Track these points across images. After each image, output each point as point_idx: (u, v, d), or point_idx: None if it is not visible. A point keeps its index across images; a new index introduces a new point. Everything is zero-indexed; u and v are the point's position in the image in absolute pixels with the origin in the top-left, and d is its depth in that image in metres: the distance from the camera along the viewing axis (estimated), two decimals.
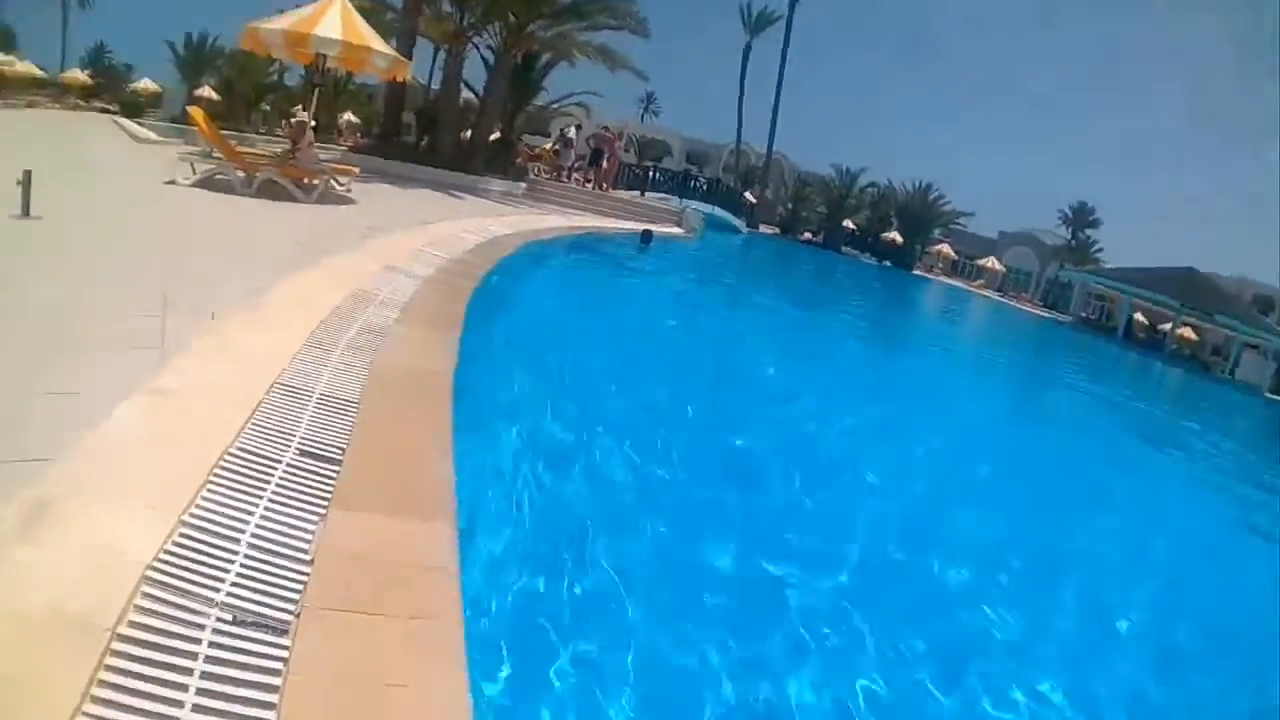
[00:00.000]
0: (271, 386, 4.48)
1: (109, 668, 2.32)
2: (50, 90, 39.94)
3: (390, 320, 6.27)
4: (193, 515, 3.16)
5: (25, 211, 7.15)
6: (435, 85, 28.49)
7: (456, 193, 19.37)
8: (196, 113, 13.62)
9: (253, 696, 2.40)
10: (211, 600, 2.75)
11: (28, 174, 7.19)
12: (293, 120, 14.18)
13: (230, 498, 3.36)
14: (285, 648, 2.62)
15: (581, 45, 26.29)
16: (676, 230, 25.78)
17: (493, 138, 26.29)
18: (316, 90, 15.56)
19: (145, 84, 44.05)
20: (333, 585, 3.00)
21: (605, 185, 28.04)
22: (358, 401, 4.64)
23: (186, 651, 2.49)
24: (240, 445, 3.77)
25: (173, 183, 11.49)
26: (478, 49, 24.97)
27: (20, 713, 2.11)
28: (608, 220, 22.43)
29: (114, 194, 10.80)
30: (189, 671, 2.42)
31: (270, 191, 11.70)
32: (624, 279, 16.13)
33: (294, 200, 11.84)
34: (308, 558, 3.15)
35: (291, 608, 2.82)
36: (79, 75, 45.62)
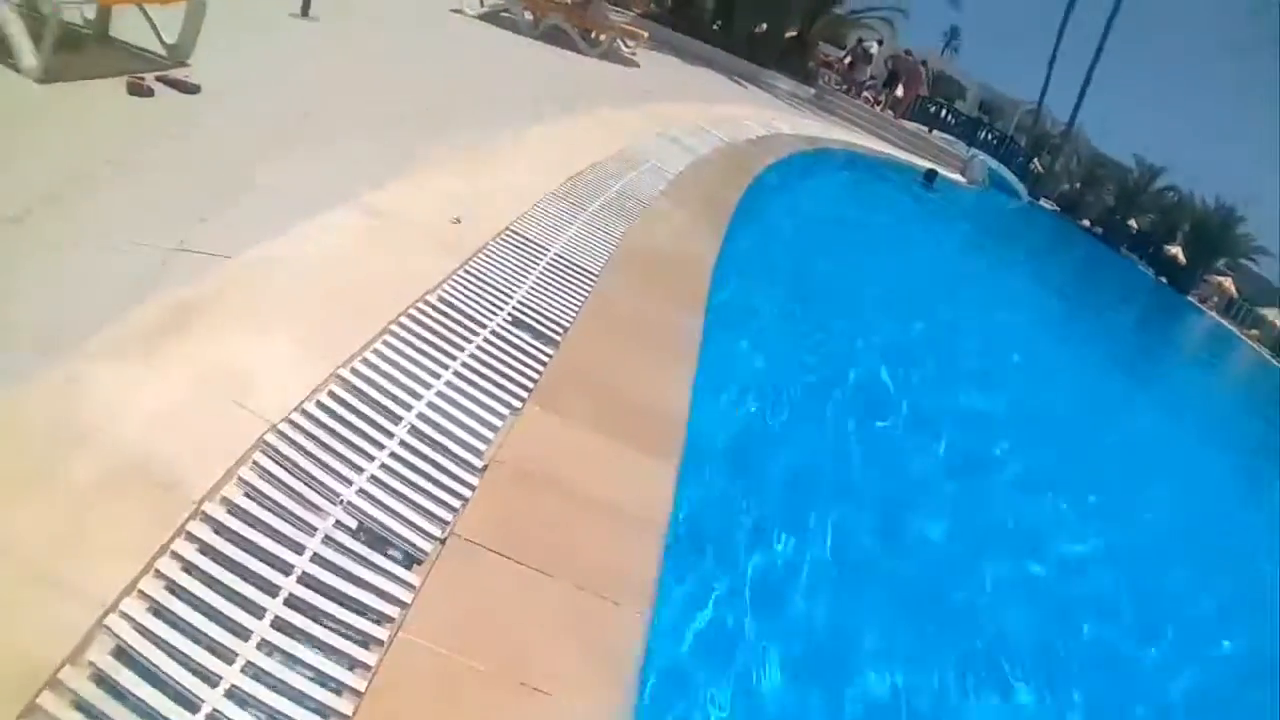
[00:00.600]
0: (501, 233, 3.59)
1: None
2: None
3: (655, 191, 5.28)
4: (354, 371, 2.30)
5: (304, 12, 6.78)
6: None
7: (742, 81, 17.98)
8: None
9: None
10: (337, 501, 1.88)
11: None
12: None
13: (406, 359, 2.47)
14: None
15: None
16: (958, 177, 23.07)
17: (789, 34, 24.38)
18: None
19: None
20: (492, 520, 2.05)
21: (897, 112, 25.42)
22: (597, 274, 3.66)
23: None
24: (442, 294, 2.88)
25: (459, 11, 11.01)
26: None
27: None
28: (890, 148, 20.22)
29: (396, 12, 10.51)
30: None
31: (554, 39, 11.00)
32: (903, 213, 14.23)
33: (577, 51, 11.07)
34: (479, 465, 2.21)
35: (428, 545, 1.90)
36: None
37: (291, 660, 1.53)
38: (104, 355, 1.98)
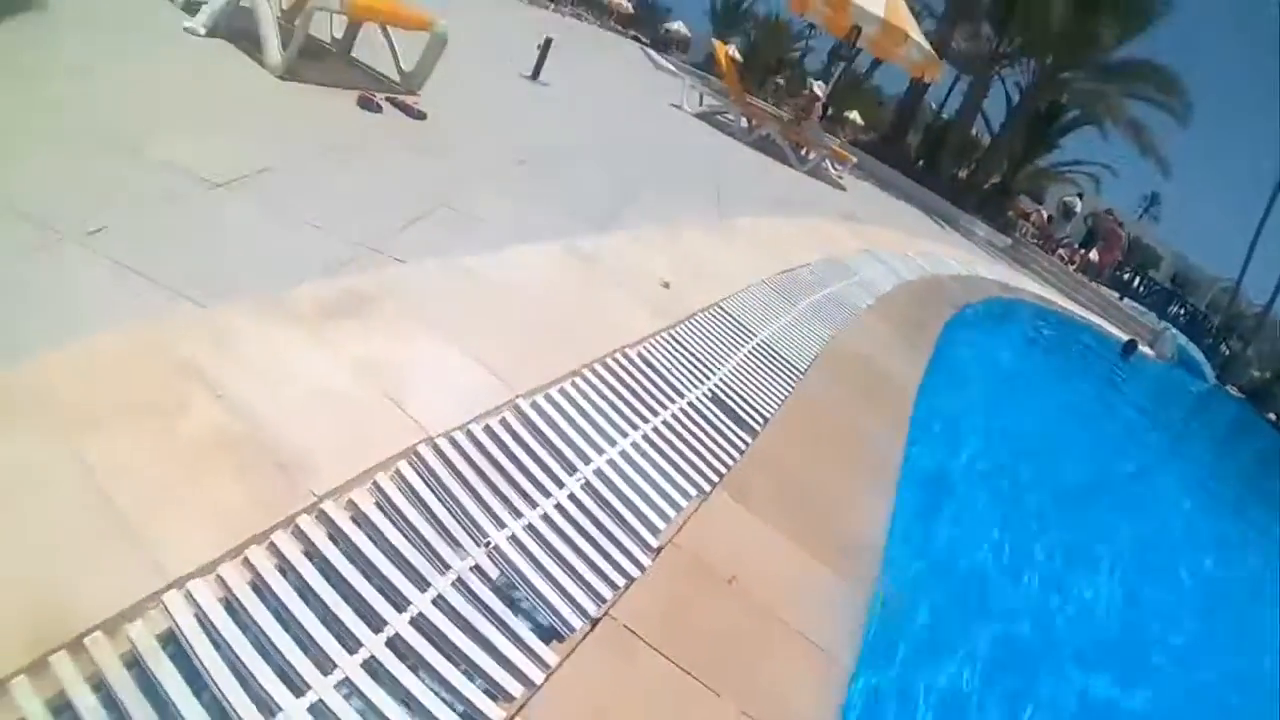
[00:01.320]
0: (709, 307, 3.39)
1: None
2: (595, 10, 45.23)
3: (863, 303, 5.02)
4: (533, 406, 2.09)
5: (535, 75, 7.19)
6: (944, 113, 26.70)
7: (940, 220, 17.66)
8: (720, 46, 13.61)
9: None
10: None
11: (548, 40, 7.25)
12: (805, 92, 13.59)
13: (593, 408, 2.25)
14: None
15: (1116, 109, 22.48)
16: (1147, 350, 21.54)
17: (991, 182, 23.91)
18: (842, 65, 14.74)
19: (678, 27, 47.47)
20: (657, 610, 1.73)
21: (1091, 274, 24.15)
22: (802, 371, 3.38)
23: None
24: (642, 352, 2.68)
25: (678, 106, 11.46)
26: (1003, 82, 22.64)
27: None
28: (1081, 309, 19.12)
29: (619, 95, 10.97)
30: None
31: (765, 148, 11.15)
32: (1095, 378, 13.22)
33: (786, 163, 11.17)
34: (653, 544, 1.92)
35: (577, 620, 1.61)
36: (624, 3, 50.04)
37: (372, 713, 1.21)
38: (268, 317, 1.81)
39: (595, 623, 1.60)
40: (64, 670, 1.02)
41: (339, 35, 4.65)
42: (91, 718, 1.01)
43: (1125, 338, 17.29)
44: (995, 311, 9.50)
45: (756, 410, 2.83)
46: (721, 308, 3.47)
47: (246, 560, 1.29)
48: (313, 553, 1.37)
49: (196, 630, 1.16)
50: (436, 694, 1.29)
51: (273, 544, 1.33)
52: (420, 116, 4.17)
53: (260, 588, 1.27)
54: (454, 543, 1.56)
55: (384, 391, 1.79)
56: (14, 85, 2.44)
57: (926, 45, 13.60)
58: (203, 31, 3.81)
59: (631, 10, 48.72)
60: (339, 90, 4.01)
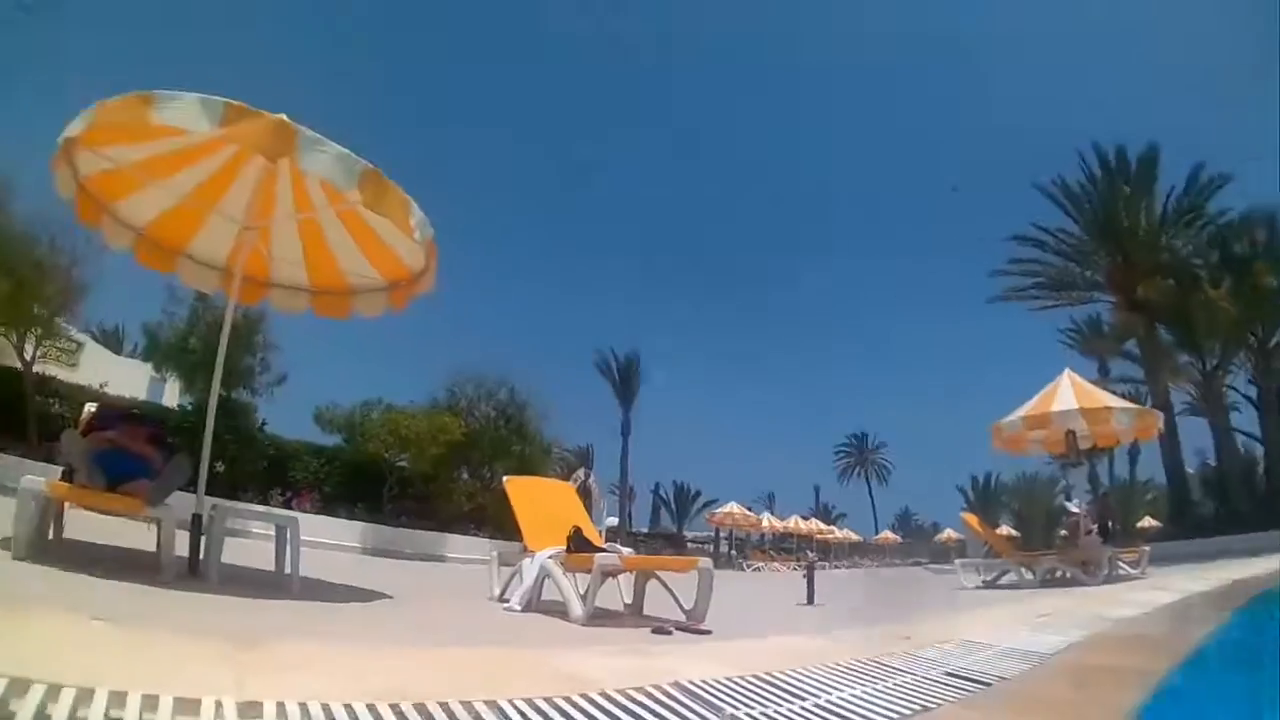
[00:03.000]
0: None
1: None
2: (868, 551, 46.95)
3: None
4: None
5: (809, 599, 7.95)
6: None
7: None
8: (970, 517, 14.25)
9: None
10: None
11: (810, 566, 8.18)
12: (1067, 518, 13.79)
13: None
14: None
15: None
16: None
17: None
18: (1082, 468, 14.88)
19: (948, 534, 47.94)
20: None
21: None
22: None
23: None
24: None
25: (962, 588, 11.79)
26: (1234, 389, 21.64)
27: None
28: None
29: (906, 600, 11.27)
30: None
31: (1055, 580, 11.10)
32: None
33: (1081, 584, 10.83)
34: None
35: None
36: (890, 535, 51.97)
37: None
38: None
39: None
40: None
41: (629, 600, 5.78)
42: None
43: None
44: None
45: None
46: None
47: None
48: None
49: None
50: None
51: None
52: (705, 633, 4.82)
53: None
54: None
55: None
56: None
57: (1129, 405, 13.72)
58: (519, 608, 5.20)
59: (899, 539, 50.80)
60: (636, 629, 4.83)
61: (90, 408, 5.69)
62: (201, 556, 4.83)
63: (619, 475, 46.32)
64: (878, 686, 2.72)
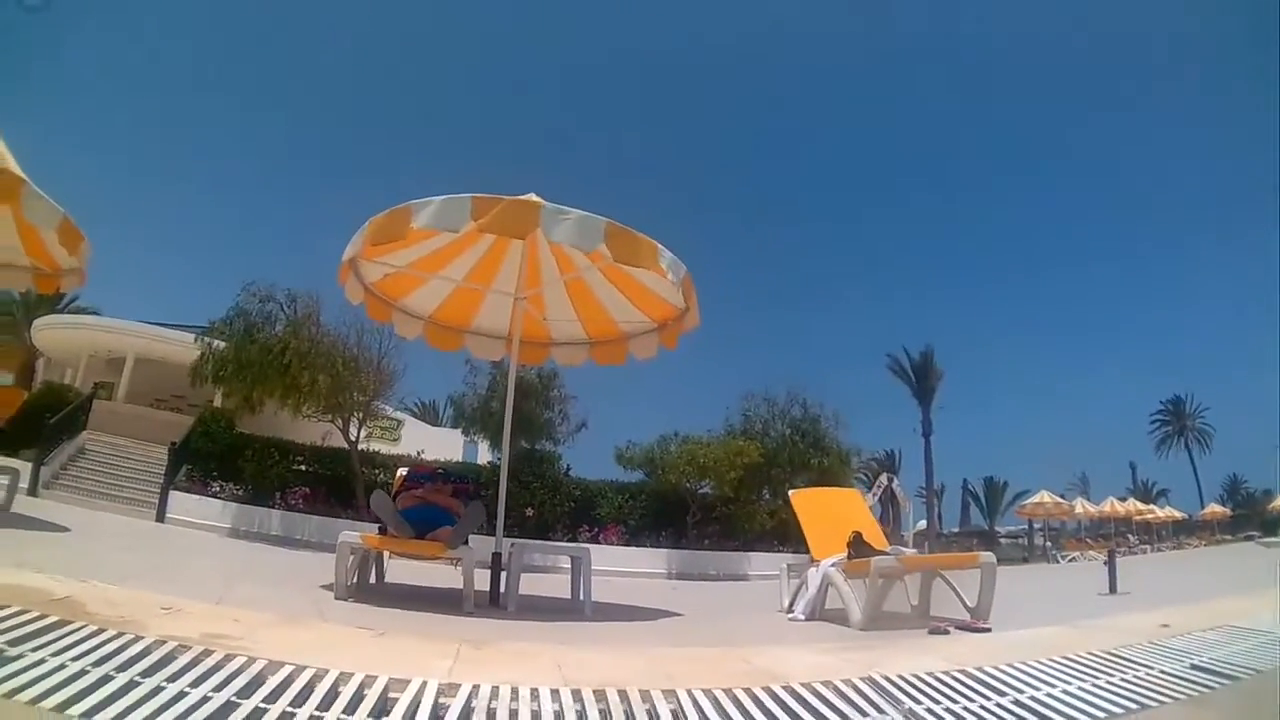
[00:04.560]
0: None
1: None
2: (1194, 528, 40.16)
3: None
4: None
5: (1111, 589, 7.27)
6: None
7: None
8: None
9: None
10: None
11: (1112, 553, 7.48)
12: None
13: None
14: None
15: None
16: None
17: None
18: None
19: None
20: None
21: None
22: None
23: None
24: None
25: None
26: None
27: None
28: None
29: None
30: None
31: None
32: None
33: None
34: None
35: None
36: (1217, 509, 44.11)
37: None
38: None
39: None
40: None
41: (915, 602, 5.73)
42: None
43: None
44: None
45: None
46: None
47: None
48: None
49: None
50: None
51: None
52: (985, 630, 4.68)
53: None
54: None
55: None
56: None
57: None
58: (803, 617, 5.39)
59: (1228, 512, 43.34)
60: (914, 631, 4.79)
61: (402, 471, 6.53)
62: (502, 589, 5.42)
63: (924, 477, 44.41)
64: (1091, 683, 2.65)
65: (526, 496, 15.24)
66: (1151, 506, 40.07)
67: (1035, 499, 31.01)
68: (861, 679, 2.56)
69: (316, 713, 1.99)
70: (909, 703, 2.37)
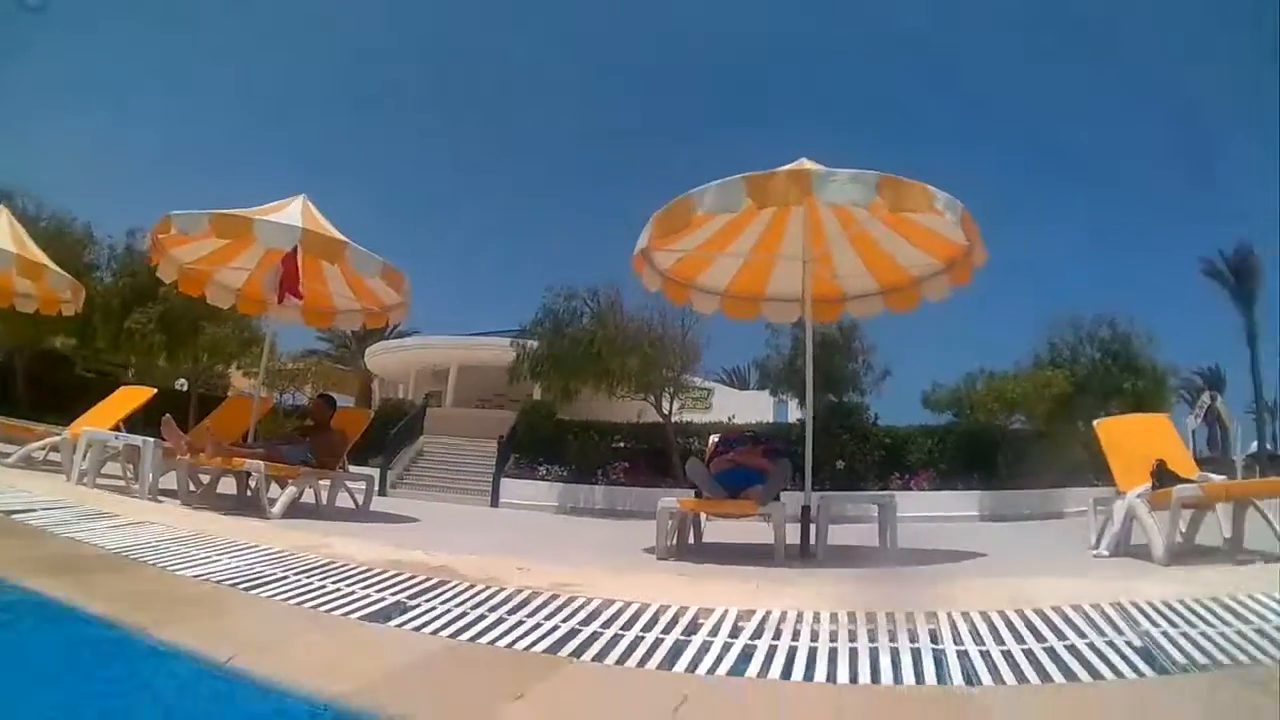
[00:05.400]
0: None
1: None
2: None
3: None
4: None
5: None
6: None
7: None
8: None
9: None
10: None
11: None
12: None
13: None
14: None
15: None
16: None
17: None
18: None
19: None
20: None
21: None
22: None
23: None
24: None
25: None
26: None
27: None
28: None
29: None
30: None
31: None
32: None
33: None
34: None
35: None
36: None
37: None
38: None
39: None
40: None
41: (1228, 534, 5.28)
42: None
43: None
44: None
45: None
46: None
47: None
48: None
49: None
50: None
51: None
52: None
53: None
54: None
55: None
56: None
57: None
58: (1107, 554, 5.46)
59: None
60: (1218, 564, 4.69)
61: (714, 438, 7.18)
62: (812, 541, 5.81)
63: (1252, 392, 38.03)
64: None
65: (837, 449, 15.84)
66: None
67: None
68: (1110, 604, 2.98)
69: (640, 633, 2.89)
70: (1147, 625, 2.77)
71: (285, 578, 3.62)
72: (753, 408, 21.42)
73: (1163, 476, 5.59)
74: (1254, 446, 29.15)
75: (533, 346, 16.20)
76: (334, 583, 3.55)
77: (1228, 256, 39.96)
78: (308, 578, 3.64)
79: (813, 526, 5.94)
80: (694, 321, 15.41)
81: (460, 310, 67.46)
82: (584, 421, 17.93)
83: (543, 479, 16.45)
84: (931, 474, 15.96)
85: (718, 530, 7.00)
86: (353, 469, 9.02)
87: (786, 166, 5.67)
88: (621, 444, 17.51)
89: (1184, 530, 5.53)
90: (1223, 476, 5.87)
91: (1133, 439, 6.50)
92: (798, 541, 5.87)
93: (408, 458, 19.24)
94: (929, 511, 12.97)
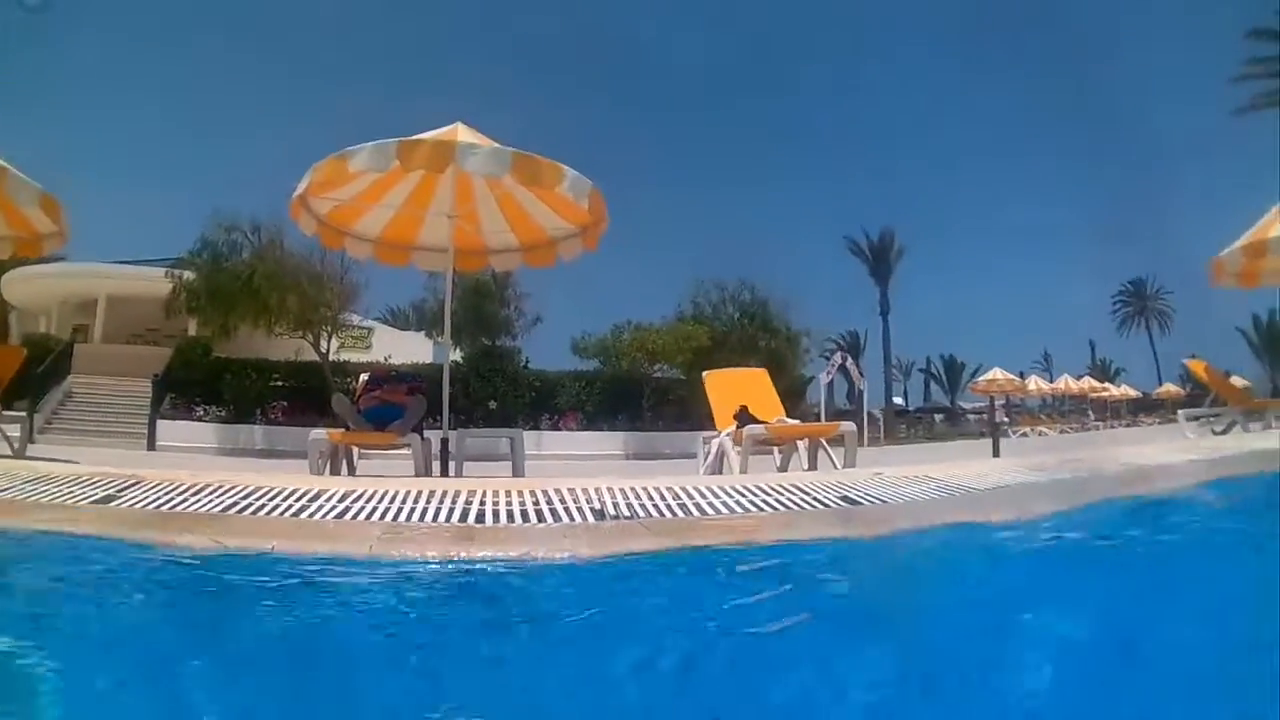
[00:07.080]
0: None
1: None
2: (1151, 406, 40.64)
3: None
4: None
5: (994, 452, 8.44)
6: None
7: None
8: (1195, 365, 13.42)
9: None
10: None
11: None
12: None
13: None
14: None
15: None
16: None
17: None
18: None
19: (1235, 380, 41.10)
20: None
21: None
22: None
23: None
24: None
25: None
26: None
27: None
28: None
29: None
30: None
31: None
32: None
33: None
34: None
35: None
36: (1172, 388, 44.28)
37: None
38: None
39: None
40: None
41: (806, 466, 6.34)
42: None
43: None
44: None
45: None
46: None
47: None
48: None
49: None
50: None
51: None
52: None
53: None
54: None
55: None
56: None
57: None
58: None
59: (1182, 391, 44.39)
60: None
61: (364, 377, 7.43)
62: (450, 474, 6.27)
63: (883, 355, 46.56)
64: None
65: (489, 390, 16.55)
66: (1106, 385, 41.19)
67: (988, 375, 32.35)
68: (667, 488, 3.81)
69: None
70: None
71: None
72: (412, 348, 21.59)
73: (744, 418, 6.65)
74: (900, 401, 34.65)
75: (189, 278, 14.85)
76: None
77: (872, 239, 47.42)
78: None
79: (451, 462, 6.45)
80: (354, 261, 15.21)
81: (121, 232, 56.79)
82: (242, 359, 16.86)
83: (201, 420, 15.32)
84: (579, 416, 17.31)
85: (372, 467, 7.18)
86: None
87: (436, 132, 6.10)
88: (280, 383, 16.78)
89: (779, 462, 6.80)
90: (795, 420, 7.37)
91: (732, 388, 7.55)
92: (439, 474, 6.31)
93: (55, 400, 17.02)
94: (577, 450, 14.17)
